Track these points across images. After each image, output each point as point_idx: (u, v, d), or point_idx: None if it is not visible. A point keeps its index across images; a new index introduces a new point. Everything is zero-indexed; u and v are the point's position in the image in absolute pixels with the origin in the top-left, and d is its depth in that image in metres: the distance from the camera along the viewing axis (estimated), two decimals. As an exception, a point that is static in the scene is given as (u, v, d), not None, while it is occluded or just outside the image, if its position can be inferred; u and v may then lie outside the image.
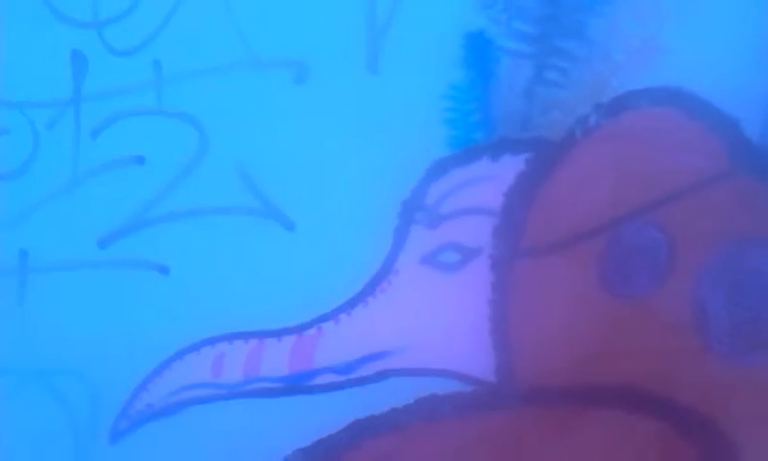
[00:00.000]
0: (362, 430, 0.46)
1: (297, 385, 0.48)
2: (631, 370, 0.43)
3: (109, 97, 0.54)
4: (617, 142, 0.44)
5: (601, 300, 0.44)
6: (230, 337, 0.50)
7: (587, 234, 0.44)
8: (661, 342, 0.42)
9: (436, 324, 0.47)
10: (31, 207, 0.55)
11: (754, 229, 0.41)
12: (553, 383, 0.44)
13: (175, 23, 0.53)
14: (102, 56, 0.54)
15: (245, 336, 0.50)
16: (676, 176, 0.42)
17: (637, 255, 0.43)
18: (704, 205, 0.42)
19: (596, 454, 0.44)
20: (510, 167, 0.46)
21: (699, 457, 0.42)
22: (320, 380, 0.48)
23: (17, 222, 0.55)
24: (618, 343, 0.43)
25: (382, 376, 0.47)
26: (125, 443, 0.52)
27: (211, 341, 0.51)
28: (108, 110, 0.54)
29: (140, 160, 0.53)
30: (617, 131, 0.44)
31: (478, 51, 0.48)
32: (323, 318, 0.48)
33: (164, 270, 0.52)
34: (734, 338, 0.41)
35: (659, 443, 0.40)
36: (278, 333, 0.49)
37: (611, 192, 0.44)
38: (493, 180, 0.46)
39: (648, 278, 0.43)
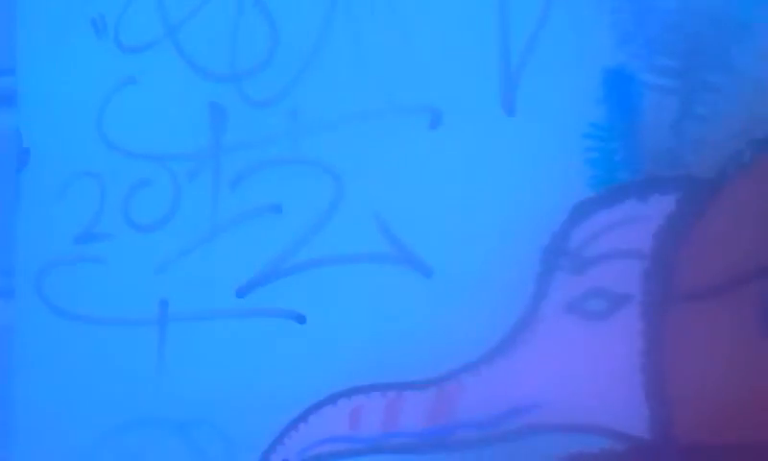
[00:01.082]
0: (506, 488, 0.47)
1: (437, 440, 0.49)
2: None
3: (248, 148, 0.58)
4: None
5: (764, 348, 0.42)
6: (367, 389, 0.52)
7: (744, 277, 0.43)
8: None
9: (584, 375, 0.47)
10: (171, 258, 0.59)
11: None
12: (714, 441, 0.43)
13: (310, 73, 0.57)
14: (240, 107, 0.59)
15: (382, 388, 0.52)
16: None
17: None
18: None
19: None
20: (659, 207, 0.46)
21: None
22: (460, 435, 0.49)
23: (158, 273, 0.59)
24: None
25: (526, 431, 0.48)
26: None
27: (348, 393, 0.53)
28: (247, 161, 0.58)
29: (277, 209, 0.56)
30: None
31: (619, 87, 0.48)
32: (463, 369, 0.49)
33: (301, 319, 0.55)
34: None
35: None
36: (417, 386, 0.51)
37: None
38: (641, 221, 0.46)
39: None
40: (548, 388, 0.48)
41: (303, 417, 0.53)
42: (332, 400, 0.53)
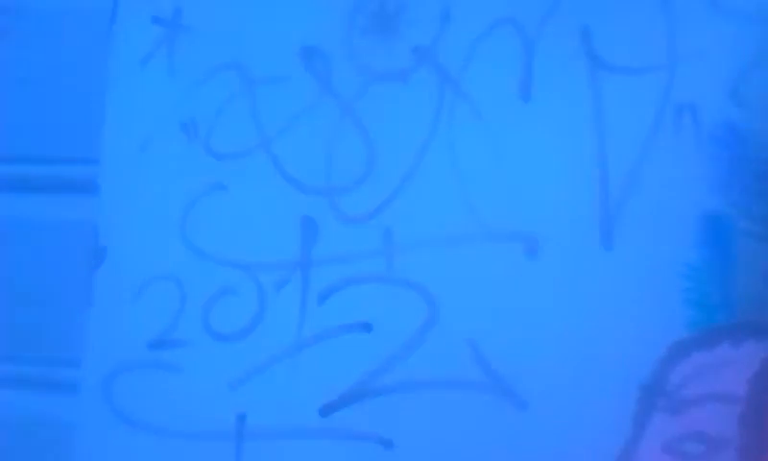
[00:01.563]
0: None
1: None
2: None
3: (339, 262, 0.64)
4: None
5: None
6: None
7: None
8: None
9: None
10: (253, 371, 0.65)
11: None
12: None
13: (407, 192, 0.63)
14: (332, 222, 0.65)
15: None
16: None
17: None
18: None
19: None
20: (753, 352, 0.52)
21: None
22: None
23: (238, 385, 0.65)
24: None
25: None
26: None
27: None
28: (337, 276, 0.64)
29: (367, 328, 0.63)
30: None
31: (716, 232, 0.55)
32: None
33: (388, 444, 0.60)
34: None
35: None
36: None
37: None
38: (737, 364, 0.52)
39: None
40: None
41: None
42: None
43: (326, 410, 0.63)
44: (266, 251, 0.67)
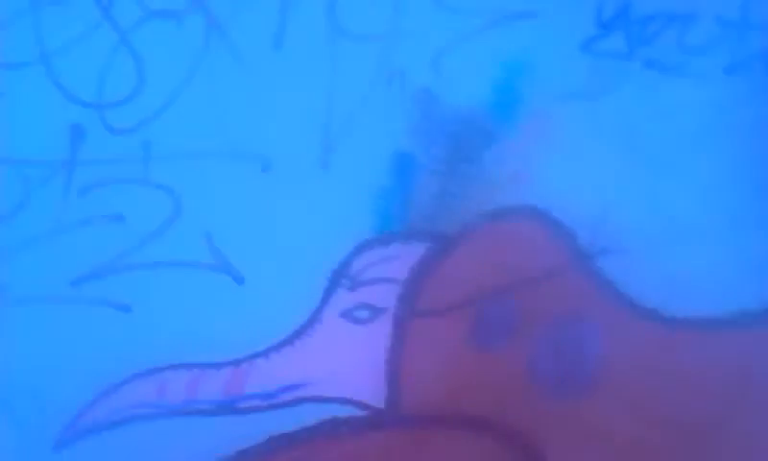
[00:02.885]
0: (278, 444, 0.70)
1: (228, 407, 0.72)
2: (483, 403, 0.69)
3: (101, 165, 0.76)
4: (491, 241, 0.71)
5: (468, 352, 0.69)
6: (176, 367, 0.73)
7: (462, 304, 0.69)
8: (508, 383, 0.69)
9: (345, 363, 0.71)
10: (15, 247, 0.77)
11: (577, 308, 0.68)
12: (427, 412, 0.70)
13: (168, 114, 0.76)
14: (100, 131, 0.77)
15: (188, 367, 0.73)
16: (528, 267, 0.70)
17: (497, 322, 0.69)
18: (546, 289, 0.69)
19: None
20: (416, 251, 0.72)
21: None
22: (249, 404, 0.72)
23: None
24: (477, 383, 0.68)
25: (299, 401, 0.72)
26: (69, 452, 0.74)
27: (159, 370, 0.74)
28: (98, 176, 0.76)
29: (120, 219, 0.75)
30: (492, 233, 0.71)
31: (404, 165, 0.74)
32: (256, 354, 0.72)
33: (127, 309, 0.75)
34: (557, 382, 0.68)
35: (492, 457, 0.66)
36: (216, 365, 0.73)
37: (483, 276, 0.70)
38: (402, 258, 0.72)
39: (503, 337, 0.69)
40: (318, 371, 0.72)
41: (117, 387, 0.73)
42: (144, 374, 0.73)
43: (78, 281, 0.76)
44: (35, 150, 0.78)
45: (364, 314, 0.72)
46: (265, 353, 0.73)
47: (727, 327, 0.69)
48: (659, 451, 0.69)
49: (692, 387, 0.69)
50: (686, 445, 0.69)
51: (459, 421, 0.70)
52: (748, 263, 0.71)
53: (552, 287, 0.70)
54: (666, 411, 0.70)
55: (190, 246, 0.75)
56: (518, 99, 0.73)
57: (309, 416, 0.72)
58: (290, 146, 0.76)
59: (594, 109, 0.73)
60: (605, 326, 0.70)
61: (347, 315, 0.72)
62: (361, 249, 0.73)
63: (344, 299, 0.73)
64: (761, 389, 0.70)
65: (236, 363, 0.73)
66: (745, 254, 0.71)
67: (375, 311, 0.72)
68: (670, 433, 0.69)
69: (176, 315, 0.74)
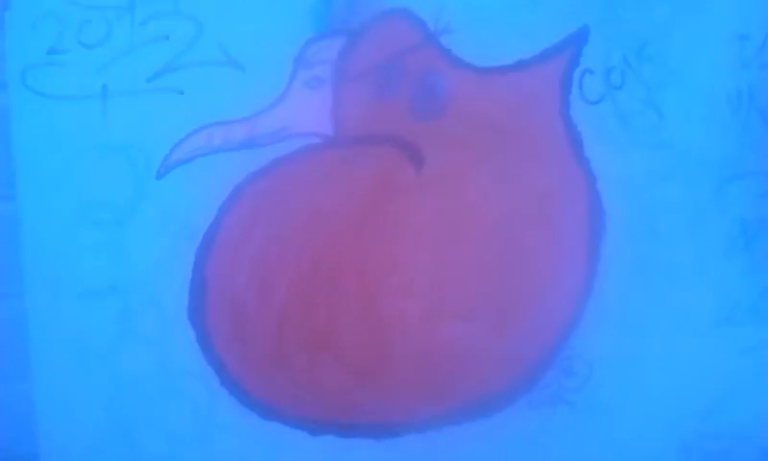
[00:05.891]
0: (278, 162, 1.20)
1: (249, 143, 1.16)
2: (386, 127, 1.22)
3: None
4: (383, 31, 1.20)
5: (375, 99, 1.24)
6: (216, 123, 1.19)
7: (370, 70, 1.22)
8: (397, 114, 1.22)
9: (309, 112, 1.17)
10: None
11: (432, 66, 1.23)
12: (364, 133, 1.20)
13: None
14: None
15: (222, 122, 1.20)
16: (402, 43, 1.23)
17: (390, 79, 1.24)
18: (414, 57, 1.24)
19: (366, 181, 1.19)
20: (341, 41, 1.19)
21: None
22: (260, 141, 1.18)
23: None
24: (383, 115, 1.22)
25: (287, 137, 1.17)
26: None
27: (207, 126, 1.20)
28: None
29: None
30: (382, 26, 1.22)
31: None
32: (260, 111, 1.19)
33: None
34: (424, 109, 1.23)
35: (392, 165, 1.21)
36: (238, 120, 1.20)
37: (380, 52, 1.24)
38: (334, 47, 1.22)
39: (395, 87, 1.24)
40: (296, 117, 1.24)
41: (187, 135, 1.23)
42: (197, 129, 1.25)
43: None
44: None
45: (315, 83, 1.17)
46: (265, 110, 1.19)
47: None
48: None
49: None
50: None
51: (372, 139, 1.20)
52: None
53: (417, 55, 1.19)
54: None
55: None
56: None
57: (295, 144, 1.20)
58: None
59: None
60: (447, 74, 1.18)
61: (307, 84, 1.17)
62: (309, 43, 1.16)
63: (303, 75, 1.16)
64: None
65: (249, 118, 1.19)
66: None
67: (322, 81, 1.17)
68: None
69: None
